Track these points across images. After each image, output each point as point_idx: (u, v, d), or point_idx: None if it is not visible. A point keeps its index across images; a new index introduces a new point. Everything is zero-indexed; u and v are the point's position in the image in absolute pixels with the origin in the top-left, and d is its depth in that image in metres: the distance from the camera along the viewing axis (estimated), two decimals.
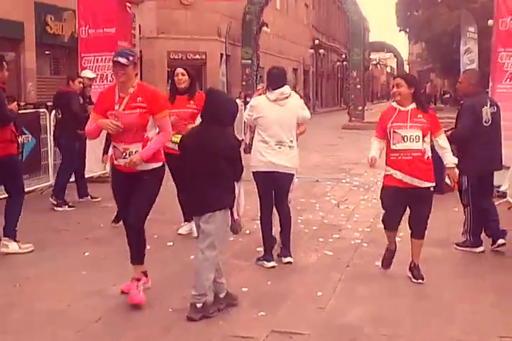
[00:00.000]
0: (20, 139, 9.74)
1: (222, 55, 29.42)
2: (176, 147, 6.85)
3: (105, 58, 11.70)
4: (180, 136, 6.75)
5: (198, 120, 6.83)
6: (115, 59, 5.16)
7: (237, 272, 5.94)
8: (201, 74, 29.20)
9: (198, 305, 4.91)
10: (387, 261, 6.19)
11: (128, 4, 12.26)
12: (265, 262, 6.35)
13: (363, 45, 34.77)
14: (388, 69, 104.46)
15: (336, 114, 42.14)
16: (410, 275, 5.92)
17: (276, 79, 6.48)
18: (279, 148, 6.34)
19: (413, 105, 5.79)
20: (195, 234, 6.36)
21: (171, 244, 7.19)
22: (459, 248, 6.96)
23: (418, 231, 5.93)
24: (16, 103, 7.32)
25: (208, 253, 4.96)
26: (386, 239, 6.21)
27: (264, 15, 34.18)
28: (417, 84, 5.93)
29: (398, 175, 5.73)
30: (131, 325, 4.84)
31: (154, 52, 25.53)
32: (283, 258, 6.47)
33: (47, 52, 18.47)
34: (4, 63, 6.86)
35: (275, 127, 6.34)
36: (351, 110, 32.02)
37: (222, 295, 5.13)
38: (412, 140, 5.66)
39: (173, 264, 6.39)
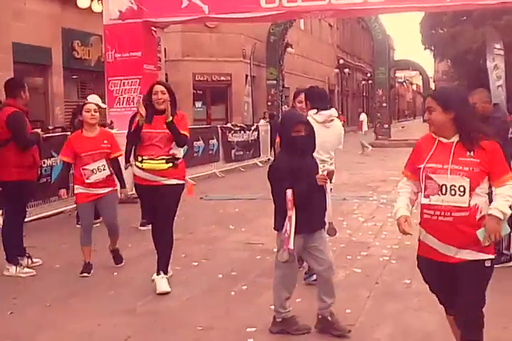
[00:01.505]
0: (49, 162, 9.94)
1: (247, 76, 29.60)
2: (144, 175, 6.17)
3: (131, 81, 11.88)
4: (151, 162, 6.13)
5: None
6: None
7: (266, 290, 5.90)
8: (226, 95, 29.43)
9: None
10: None
11: (153, 28, 12.43)
12: None
13: (388, 63, 34.92)
14: (414, 87, 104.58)
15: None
16: None
17: (323, 100, 6.50)
18: (323, 166, 6.35)
19: (458, 137, 3.75)
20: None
21: (196, 264, 7.20)
22: None
23: (465, 331, 3.75)
24: (39, 129, 7.33)
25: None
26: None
27: (288, 36, 34.44)
28: (457, 105, 3.73)
29: (430, 240, 3.77)
30: None
31: (180, 75, 25.74)
32: (311, 277, 6.44)
33: (74, 77, 18.75)
34: (25, 85, 6.91)
35: (320, 149, 6.35)
36: (377, 128, 32.07)
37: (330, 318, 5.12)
38: (453, 192, 3.64)
39: (201, 283, 6.41)
